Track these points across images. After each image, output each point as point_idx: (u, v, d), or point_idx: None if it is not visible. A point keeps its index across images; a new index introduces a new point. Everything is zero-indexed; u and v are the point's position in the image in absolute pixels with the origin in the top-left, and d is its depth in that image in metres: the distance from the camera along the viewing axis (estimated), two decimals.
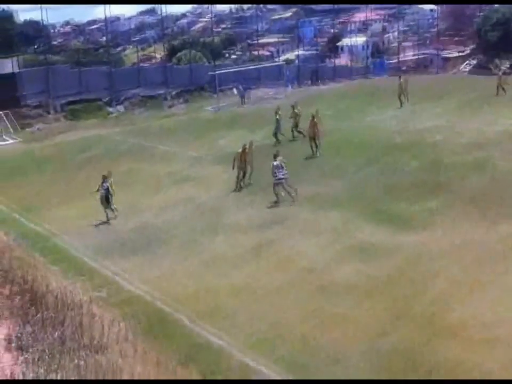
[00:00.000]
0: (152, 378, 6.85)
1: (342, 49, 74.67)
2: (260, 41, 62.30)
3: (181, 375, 7.62)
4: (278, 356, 9.48)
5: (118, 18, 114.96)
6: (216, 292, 12.07)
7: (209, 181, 20.72)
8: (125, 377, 6.26)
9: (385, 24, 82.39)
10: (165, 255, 14.31)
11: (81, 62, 42.62)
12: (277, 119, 25.67)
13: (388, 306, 10.97)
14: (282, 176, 17.17)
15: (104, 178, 16.98)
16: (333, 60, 56.43)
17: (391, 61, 55.73)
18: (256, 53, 58.79)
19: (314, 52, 63.43)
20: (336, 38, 77.05)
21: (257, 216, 16.58)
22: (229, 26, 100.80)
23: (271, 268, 13.11)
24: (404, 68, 53.60)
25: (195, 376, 7.98)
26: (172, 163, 23.72)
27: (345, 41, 70.17)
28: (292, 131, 26.17)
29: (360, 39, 69.44)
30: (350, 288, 11.86)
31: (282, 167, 17.23)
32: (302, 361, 9.30)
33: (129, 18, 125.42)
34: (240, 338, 10.17)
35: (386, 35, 75.41)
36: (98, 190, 16.87)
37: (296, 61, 56.05)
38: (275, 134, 25.57)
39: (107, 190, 16.84)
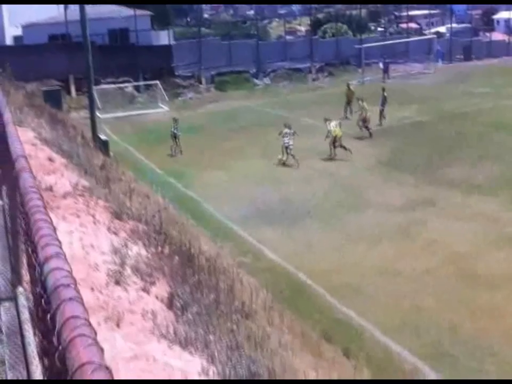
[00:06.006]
0: (298, 349, 6.86)
1: (498, 22, 69.38)
2: (408, 13, 59.51)
3: (325, 349, 7.58)
4: (424, 342, 9.11)
5: None
6: (359, 269, 11.86)
7: (352, 156, 20.33)
8: (273, 345, 6.27)
9: None
10: (308, 227, 14.32)
11: (230, 35, 43.61)
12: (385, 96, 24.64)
13: None
14: (288, 142, 19.78)
15: (175, 122, 22.30)
16: (487, 34, 52.48)
17: None
18: (403, 25, 56.36)
19: (467, 25, 59.52)
20: (492, 10, 71.64)
21: (403, 195, 16.01)
22: None
23: (418, 250, 12.62)
24: None
25: (339, 353, 7.88)
26: (314, 136, 23.53)
27: (503, 14, 64.97)
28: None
29: None
30: (504, 277, 11.08)
31: (292, 135, 20.08)
32: (451, 350, 8.86)
33: None
34: (382, 319, 9.92)
35: None
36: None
37: (447, 35, 52.94)
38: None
39: (175, 130, 22.00)
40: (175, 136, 22.12)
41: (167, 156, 21.96)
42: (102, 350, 1.44)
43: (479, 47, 47.59)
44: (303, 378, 5.34)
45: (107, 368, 1.36)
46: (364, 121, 23.10)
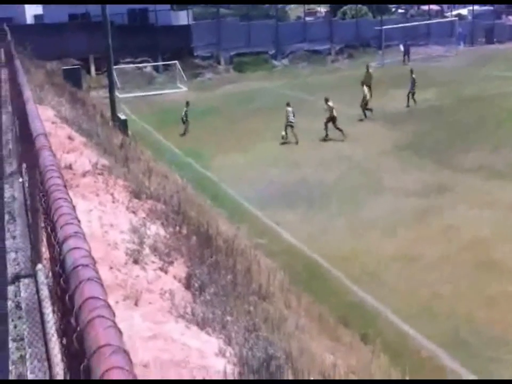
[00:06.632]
0: (315, 332, 6.83)
1: None
2: None
3: (343, 333, 7.55)
4: (441, 329, 9.02)
5: None
6: (374, 254, 11.76)
7: (368, 139, 20.18)
8: (290, 328, 6.25)
9: None
10: (324, 210, 14.23)
11: (249, 15, 43.27)
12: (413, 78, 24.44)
13: None
14: (293, 120, 20.25)
15: (187, 105, 22.97)
16: (510, 18, 51.38)
17: None
18: (424, 7, 55.43)
19: (489, 8, 58.23)
20: None
21: (421, 180, 15.82)
22: None
23: (434, 237, 12.44)
24: None
25: (356, 338, 7.84)
26: None
27: None
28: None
29: None
30: None
31: (293, 114, 20.43)
32: (467, 338, 8.77)
33: None
34: (399, 305, 9.83)
35: None
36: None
37: (469, 17, 52.00)
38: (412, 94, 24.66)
39: (185, 114, 22.76)
40: (184, 119, 22.81)
41: (184, 136, 22.16)
42: (120, 332, 1.41)
43: (502, 30, 46.80)
44: (321, 362, 5.32)
45: (125, 351, 1.34)
46: (366, 103, 23.28)
